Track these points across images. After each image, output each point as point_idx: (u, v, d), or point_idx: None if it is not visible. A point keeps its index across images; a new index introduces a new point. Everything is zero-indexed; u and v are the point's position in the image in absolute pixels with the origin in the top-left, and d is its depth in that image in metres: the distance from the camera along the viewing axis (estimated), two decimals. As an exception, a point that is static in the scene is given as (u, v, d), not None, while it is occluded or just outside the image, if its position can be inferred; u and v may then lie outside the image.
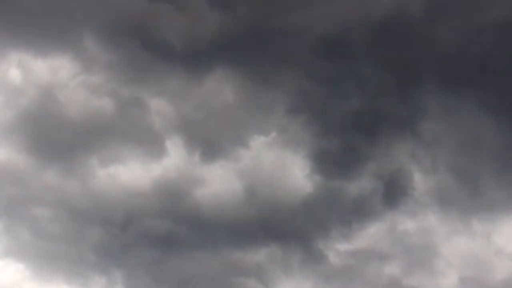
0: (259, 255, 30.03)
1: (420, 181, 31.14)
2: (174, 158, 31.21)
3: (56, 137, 30.86)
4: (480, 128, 31.40)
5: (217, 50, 32.08)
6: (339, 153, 31.28)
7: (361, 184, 31.03)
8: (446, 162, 31.36)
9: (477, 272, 29.41)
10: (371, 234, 30.54)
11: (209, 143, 31.27)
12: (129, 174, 30.75)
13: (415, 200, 30.79)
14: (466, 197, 30.67)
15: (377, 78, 32.06)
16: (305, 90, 32.03)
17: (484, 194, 30.53)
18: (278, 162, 31.42)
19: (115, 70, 31.74)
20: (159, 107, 31.73)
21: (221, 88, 32.04)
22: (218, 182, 30.93)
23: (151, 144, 31.17)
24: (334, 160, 31.26)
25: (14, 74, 31.52)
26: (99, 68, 31.80)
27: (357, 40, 32.37)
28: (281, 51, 32.31)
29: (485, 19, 31.91)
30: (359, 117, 31.78)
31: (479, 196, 30.58)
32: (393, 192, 30.91)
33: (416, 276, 29.49)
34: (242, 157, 31.24)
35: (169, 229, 29.84)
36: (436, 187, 31.06)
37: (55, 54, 31.75)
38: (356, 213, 30.77)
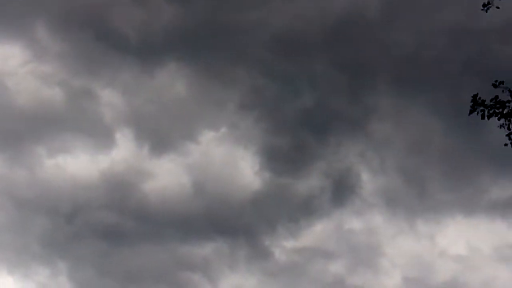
0: (206, 250, 30.04)
1: (368, 180, 31.38)
2: (123, 151, 31.13)
3: (3, 125, 30.60)
4: (429, 130, 31.74)
5: (171, 44, 32.06)
6: (289, 150, 31.42)
7: (310, 182, 31.19)
8: (394, 163, 31.67)
9: (420, 272, 29.74)
10: (318, 232, 30.71)
11: (159, 136, 31.26)
12: (77, 165, 30.59)
13: (362, 199, 31.02)
14: (413, 198, 31.01)
15: (330, 77, 32.26)
16: (258, 87, 32.12)
17: (430, 196, 30.89)
18: (227, 157, 31.49)
19: (67, 60, 31.58)
20: (110, 98, 31.64)
21: (173, 82, 32.03)
22: (167, 176, 30.93)
23: (100, 135, 31.06)
24: (284, 158, 31.40)
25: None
26: (50, 58, 31.57)
27: (312, 39, 32.54)
28: (236, 47, 32.39)
29: (438, 23, 32.30)
30: (310, 116, 31.95)
31: (425, 197, 30.94)
32: (341, 191, 31.12)
33: (360, 275, 29.72)
34: (192, 152, 31.25)
35: (116, 222, 29.72)
36: (383, 187, 31.36)
37: (5, 41, 31.49)
38: (304, 210, 30.92)
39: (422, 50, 32.06)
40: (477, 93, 14.23)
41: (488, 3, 13.92)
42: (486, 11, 14.34)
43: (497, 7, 14.00)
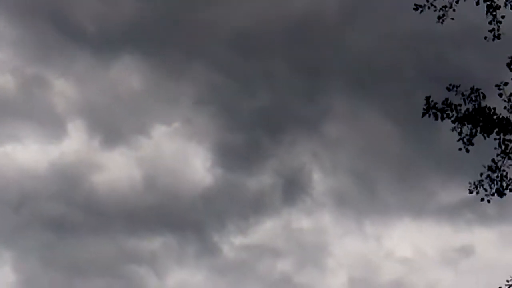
0: (154, 244, 30.00)
1: (319, 180, 31.60)
2: (74, 142, 30.91)
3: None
4: (382, 133, 31.98)
5: (129, 37, 31.86)
6: (242, 147, 31.50)
7: (262, 180, 31.32)
8: (346, 164, 31.95)
9: (366, 273, 30.04)
10: (267, 229, 30.85)
11: (111, 129, 31.13)
12: (26, 154, 30.35)
13: (313, 199, 31.23)
14: (362, 200, 31.31)
15: (287, 77, 32.38)
16: (214, 83, 32.12)
17: (379, 198, 31.22)
18: (179, 153, 31.47)
19: (21, 47, 31.26)
20: (63, 88, 31.34)
21: (128, 75, 31.83)
22: (117, 169, 30.81)
23: (51, 125, 30.83)
24: (237, 155, 31.48)
25: None
26: (4, 44, 31.25)
27: (271, 38, 32.60)
28: (194, 44, 32.30)
29: (395, 27, 32.56)
30: (265, 114, 32.04)
31: (374, 199, 31.25)
32: (292, 190, 31.30)
33: (307, 274, 29.91)
34: (143, 146, 31.18)
35: (64, 213, 29.54)
36: (334, 187, 31.63)
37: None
38: (254, 208, 31.05)
39: (379, 53, 32.32)
40: (430, 96, 14.45)
41: (443, 15, 14.11)
42: (442, 23, 14.52)
43: (452, 19, 14.20)
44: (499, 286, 14.12)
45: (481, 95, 14.26)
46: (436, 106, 14.29)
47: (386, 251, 30.44)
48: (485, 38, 14.16)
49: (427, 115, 14.34)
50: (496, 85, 14.34)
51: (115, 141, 31.01)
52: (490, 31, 14.09)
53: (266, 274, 29.75)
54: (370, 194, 31.27)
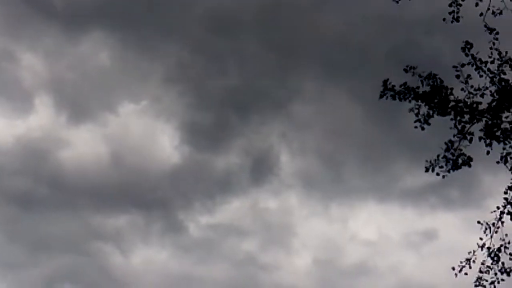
0: (120, 221, 30.04)
1: (287, 161, 31.71)
2: (41, 117, 30.70)
3: None
4: (350, 116, 32.11)
5: (99, 13, 31.60)
6: (211, 127, 31.46)
7: (230, 160, 31.38)
8: (313, 146, 32.05)
9: (330, 254, 30.27)
10: (233, 209, 30.97)
11: (79, 105, 30.95)
12: (-8, 128, 30.12)
13: (280, 180, 31.35)
14: (328, 182, 31.49)
15: (257, 57, 32.33)
16: (184, 61, 31.95)
17: (346, 181, 31.42)
18: (147, 130, 31.41)
19: (-12, 21, 30.88)
20: (31, 63, 31.04)
21: (97, 51, 31.60)
22: (84, 146, 30.69)
23: (18, 100, 30.62)
24: (205, 134, 31.45)
25: None
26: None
27: (243, 18, 32.50)
28: (166, 21, 32.10)
29: (367, 10, 32.58)
30: (235, 94, 31.99)
31: (341, 182, 31.45)
32: (260, 170, 31.39)
33: (272, 254, 30.12)
34: (110, 123, 31.07)
35: (30, 188, 29.46)
36: (301, 169, 31.74)
37: None
38: (222, 187, 31.13)
39: (350, 36, 32.34)
40: (388, 79, 14.60)
41: None
42: (397, 2, 14.61)
43: None
44: (453, 266, 14.45)
45: (438, 80, 14.48)
46: (394, 89, 14.50)
47: (351, 233, 30.74)
48: (444, 20, 14.31)
49: (385, 97, 14.55)
50: (454, 66, 14.52)
51: (82, 117, 30.96)
52: (450, 13, 14.24)
53: (231, 253, 29.97)
54: (337, 176, 31.49)
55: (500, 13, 14.08)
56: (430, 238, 30.02)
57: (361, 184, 31.23)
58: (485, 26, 14.18)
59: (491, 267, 14.46)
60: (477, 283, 14.36)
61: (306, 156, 31.87)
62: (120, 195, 30.13)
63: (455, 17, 14.22)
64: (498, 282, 14.36)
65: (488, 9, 14.04)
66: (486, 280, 14.44)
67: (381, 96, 14.47)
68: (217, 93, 31.92)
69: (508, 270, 14.40)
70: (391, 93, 14.38)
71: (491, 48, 14.03)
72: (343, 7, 32.55)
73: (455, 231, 29.48)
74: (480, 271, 14.42)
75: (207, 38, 32.07)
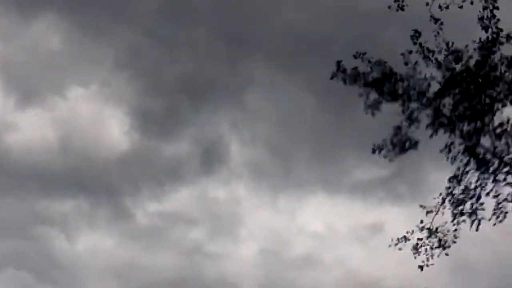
0: (66, 206, 29.71)
1: (237, 151, 31.63)
2: (-11, 100, 30.12)
3: None
4: (302, 108, 32.08)
5: (51, -5, 30.98)
6: (161, 114, 31.19)
7: (180, 148, 31.18)
8: (264, 136, 32.00)
9: (277, 245, 30.36)
10: (182, 197, 30.84)
11: (27, 88, 30.42)
12: None
13: (229, 169, 31.30)
14: (278, 173, 31.49)
15: (211, 46, 32.07)
16: (136, 47, 31.54)
17: (295, 173, 31.45)
18: (96, 115, 31.01)
19: None
20: (-20, 43, 30.41)
21: (49, 34, 30.96)
22: (31, 129, 30.19)
23: (-35, 81, 29.93)
24: (156, 121, 31.16)
25: None
26: None
27: (198, 5, 32.21)
28: (119, 6, 31.59)
29: (325, 2, 32.55)
30: (187, 81, 31.70)
31: (290, 174, 31.47)
32: (210, 159, 31.26)
33: (219, 243, 30.10)
34: (59, 107, 30.59)
35: (-26, 172, 28.85)
36: (251, 159, 31.71)
37: None
38: (171, 175, 30.95)
39: (305, 27, 32.25)
40: (341, 60, 14.69)
41: None
42: None
43: None
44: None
45: (388, 67, 14.62)
46: (346, 71, 14.59)
47: (298, 225, 30.83)
48: (389, 7, 14.43)
49: (335, 78, 14.64)
50: (401, 54, 14.68)
51: (30, 100, 30.45)
52: (395, 1, 14.35)
53: (178, 241, 29.87)
54: (286, 168, 31.52)
55: (447, 7, 14.23)
56: (377, 231, 30.25)
57: (310, 176, 31.32)
58: (431, 16, 14.36)
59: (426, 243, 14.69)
60: (414, 252, 14.58)
61: (256, 147, 31.85)
62: (67, 180, 29.75)
63: (400, 5, 14.36)
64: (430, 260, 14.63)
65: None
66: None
67: (332, 76, 14.60)
68: (168, 80, 31.62)
69: (443, 244, 14.63)
70: (342, 75, 14.52)
71: (435, 36, 14.22)
72: (301, -2, 32.56)
73: (401, 225, 29.64)
74: (416, 247, 14.63)
75: (160, 24, 31.70)
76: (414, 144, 14.63)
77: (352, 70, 14.68)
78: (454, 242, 14.67)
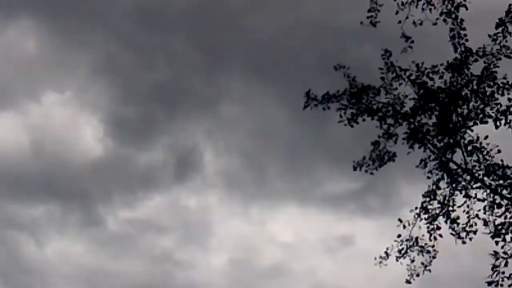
0: (37, 211, 29.58)
1: (211, 161, 31.74)
2: (-38, 103, 29.97)
3: None
4: (276, 119, 32.28)
5: (28, 1, 30.97)
6: (136, 121, 31.25)
7: (154, 155, 31.24)
8: (238, 146, 32.15)
9: (247, 255, 30.45)
10: (154, 205, 30.84)
11: (1, 93, 30.34)
12: None
13: (202, 178, 31.39)
14: (250, 183, 31.68)
15: (187, 55, 32.20)
16: (112, 54, 31.61)
17: (267, 183, 31.65)
18: (70, 121, 30.95)
19: None
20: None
21: (25, 38, 30.95)
22: (4, 133, 30.07)
23: None
24: (130, 128, 31.21)
25: None
26: None
27: (175, 14, 32.34)
28: (96, 13, 31.65)
29: (299, 16, 32.85)
30: (162, 90, 31.79)
31: (263, 184, 31.68)
32: (183, 168, 31.34)
33: (188, 252, 30.12)
34: (32, 112, 30.51)
35: None
36: (224, 169, 31.84)
37: None
38: (144, 183, 30.95)
39: (280, 40, 32.53)
40: (310, 89, 14.86)
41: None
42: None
43: None
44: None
45: (361, 85, 14.88)
46: (317, 99, 14.78)
47: (269, 235, 30.99)
48: (361, 23, 14.70)
49: (309, 107, 14.83)
50: (380, 68, 14.95)
51: (3, 105, 30.36)
52: (368, 17, 14.63)
53: (148, 249, 29.85)
54: (259, 178, 31.69)
55: (421, 23, 14.55)
56: (347, 243, 30.54)
57: (282, 187, 31.54)
58: (402, 34, 14.67)
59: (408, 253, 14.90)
60: (399, 256, 14.78)
61: (230, 156, 32.02)
62: (39, 184, 29.69)
63: (373, 22, 14.64)
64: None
65: (407, 17, 14.50)
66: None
67: (305, 107, 14.79)
68: (144, 88, 31.72)
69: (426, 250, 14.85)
70: (315, 102, 14.72)
71: (402, 52, 14.56)
72: (275, 11, 32.82)
73: (371, 237, 30.03)
74: (399, 251, 14.82)
75: (137, 32, 31.81)
76: (392, 156, 14.92)
77: (324, 95, 14.88)
78: (434, 257, 14.89)
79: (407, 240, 14.80)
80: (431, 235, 14.76)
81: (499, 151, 14.22)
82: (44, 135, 30.39)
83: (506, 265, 13.69)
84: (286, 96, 32.29)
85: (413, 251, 14.84)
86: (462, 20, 14.40)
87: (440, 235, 14.78)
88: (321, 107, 14.77)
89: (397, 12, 14.53)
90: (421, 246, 14.79)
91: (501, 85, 14.27)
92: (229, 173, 31.67)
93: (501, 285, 13.70)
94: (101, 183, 30.50)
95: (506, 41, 14.14)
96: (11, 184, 29.29)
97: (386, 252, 14.87)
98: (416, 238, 14.78)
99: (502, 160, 14.15)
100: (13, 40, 30.82)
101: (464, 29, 14.44)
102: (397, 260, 14.86)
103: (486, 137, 14.28)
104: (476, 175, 14.29)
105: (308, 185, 31.26)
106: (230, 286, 29.08)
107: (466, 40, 14.46)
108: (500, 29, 14.17)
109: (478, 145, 14.26)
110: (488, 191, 14.24)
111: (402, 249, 14.82)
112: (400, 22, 14.59)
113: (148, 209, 30.57)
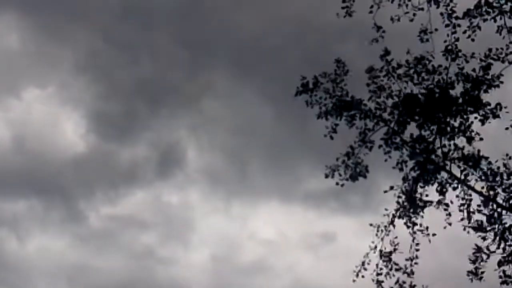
0: (18, 206, 29.50)
1: (193, 157, 31.71)
2: None
3: None
4: (258, 116, 32.27)
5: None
6: (119, 117, 31.15)
7: (136, 151, 31.21)
8: (221, 143, 32.14)
9: (228, 251, 30.54)
10: (136, 201, 30.84)
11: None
12: None
13: (185, 174, 31.37)
14: (233, 180, 31.68)
15: (170, 51, 32.11)
16: (95, 50, 31.46)
17: (249, 180, 31.66)
18: (52, 117, 30.84)
19: None
20: None
21: (6, 33, 30.77)
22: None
23: None
24: (113, 124, 31.13)
25: None
26: None
27: (159, 11, 32.24)
28: (80, 8, 31.45)
29: (284, 13, 32.85)
30: (146, 85, 31.70)
31: (245, 180, 31.68)
32: (166, 164, 31.32)
33: (170, 248, 30.16)
34: (13, 107, 30.37)
35: None
36: (207, 165, 31.82)
37: None
38: (126, 179, 30.93)
39: (264, 37, 32.53)
40: (305, 78, 15.01)
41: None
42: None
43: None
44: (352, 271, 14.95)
45: (346, 91, 15.02)
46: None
47: (250, 232, 31.05)
48: (337, 14, 14.78)
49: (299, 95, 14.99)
50: (368, 72, 15.08)
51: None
52: (343, 8, 14.70)
53: (130, 245, 29.84)
54: (242, 175, 31.69)
55: (398, 19, 14.61)
56: (328, 240, 30.61)
57: (264, 184, 31.56)
58: (374, 24, 14.76)
59: (383, 268, 15.03)
60: (378, 285, 14.90)
61: (212, 153, 32.00)
62: (20, 180, 29.59)
63: (349, 12, 14.70)
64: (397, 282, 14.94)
65: (378, 7, 14.53)
66: (383, 281, 14.98)
67: (296, 94, 14.95)
68: (127, 84, 31.60)
69: (400, 268, 14.98)
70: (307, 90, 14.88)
71: (372, 42, 14.65)
72: (259, 7, 32.81)
73: (352, 235, 30.14)
74: (377, 274, 14.96)
75: (120, 28, 31.64)
76: (365, 171, 15.09)
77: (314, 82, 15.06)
78: (416, 263, 15.01)
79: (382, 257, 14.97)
80: (414, 231, 14.91)
81: (481, 139, 14.48)
82: (25, 130, 30.34)
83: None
84: (269, 93, 32.32)
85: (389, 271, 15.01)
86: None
87: (421, 231, 14.95)
88: (308, 98, 14.97)
89: (371, 7, 14.59)
90: (395, 263, 14.97)
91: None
92: (212, 169, 31.70)
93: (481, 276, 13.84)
94: (83, 179, 30.49)
95: (475, 35, 14.16)
96: (-8, 179, 29.16)
97: (363, 262, 15.00)
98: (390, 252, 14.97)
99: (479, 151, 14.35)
100: (-4, 34, 30.65)
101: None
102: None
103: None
104: (454, 172, 14.47)
105: (290, 182, 31.35)
106: (211, 282, 29.15)
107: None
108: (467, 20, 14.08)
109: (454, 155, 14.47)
110: (465, 187, 14.41)
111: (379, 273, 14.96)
112: (371, 12, 14.65)
113: (130, 205, 30.58)
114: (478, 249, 13.81)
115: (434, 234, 14.84)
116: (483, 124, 14.44)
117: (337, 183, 15.13)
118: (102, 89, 31.29)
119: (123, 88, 31.56)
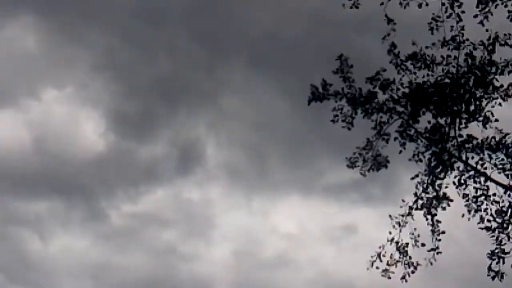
0: (40, 207, 29.69)
1: (213, 153, 31.77)
2: (-38, 101, 30.06)
3: None
4: (277, 111, 32.29)
5: (28, -3, 30.93)
6: (138, 115, 31.27)
7: (156, 149, 31.30)
8: (240, 138, 32.15)
9: (250, 247, 30.55)
10: (157, 199, 30.94)
11: (1, 90, 30.39)
12: None
13: (205, 171, 31.42)
14: (253, 175, 31.71)
15: (187, 48, 32.18)
16: (113, 49, 31.58)
17: (269, 175, 31.66)
18: (71, 117, 30.99)
19: None
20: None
21: (24, 35, 30.95)
22: (5, 131, 30.13)
23: None
24: (132, 122, 31.26)
25: None
26: None
27: (175, 7, 32.31)
28: (96, 8, 31.65)
29: (298, 6, 32.75)
30: (164, 83, 31.79)
31: (264, 175, 31.69)
32: (186, 161, 31.39)
33: (192, 244, 30.23)
34: (33, 109, 30.60)
35: None
36: (226, 161, 31.87)
37: None
38: (146, 176, 31.04)
39: (279, 31, 32.51)
40: (315, 86, 14.99)
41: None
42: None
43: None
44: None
45: (355, 87, 15.02)
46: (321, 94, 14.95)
47: (272, 226, 31.05)
48: (343, 5, 14.73)
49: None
50: (377, 73, 15.03)
51: (4, 102, 30.46)
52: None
53: (152, 242, 29.95)
54: (261, 169, 31.70)
55: (407, 4, 14.49)
56: (350, 232, 30.58)
57: (284, 178, 31.55)
58: (385, 16, 14.66)
59: (400, 260, 15.01)
60: (383, 274, 14.90)
61: (232, 148, 32.03)
62: (42, 181, 29.80)
63: (355, 4, 14.63)
64: (409, 276, 14.91)
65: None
66: (393, 272, 14.97)
67: (309, 103, 14.98)
68: (145, 82, 31.71)
69: (414, 264, 14.95)
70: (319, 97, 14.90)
71: (383, 38, 14.59)
72: (275, 2, 32.77)
73: (374, 226, 30.05)
74: (388, 264, 14.95)
75: (137, 26, 31.76)
76: (386, 162, 15.08)
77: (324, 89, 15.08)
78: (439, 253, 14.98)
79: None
80: (433, 223, 14.85)
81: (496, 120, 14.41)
82: (45, 131, 30.51)
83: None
84: (287, 88, 32.28)
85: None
86: None
87: (439, 221, 14.90)
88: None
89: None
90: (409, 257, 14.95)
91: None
92: (231, 165, 31.74)
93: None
94: (103, 178, 30.66)
95: (488, 21, 14.04)
96: (14, 181, 29.46)
97: (378, 254, 14.99)
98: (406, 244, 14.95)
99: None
100: (13, 37, 30.91)
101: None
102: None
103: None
104: (470, 162, 14.39)
105: (310, 176, 31.31)
106: (234, 277, 29.22)
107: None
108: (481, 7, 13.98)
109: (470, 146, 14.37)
110: (483, 178, 14.32)
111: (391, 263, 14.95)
112: (382, 3, 14.57)
113: (151, 202, 30.70)
114: (492, 253, 13.75)
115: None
116: (500, 104, 14.31)
117: (360, 173, 15.14)
118: (120, 88, 31.49)
119: (141, 87, 31.71)
